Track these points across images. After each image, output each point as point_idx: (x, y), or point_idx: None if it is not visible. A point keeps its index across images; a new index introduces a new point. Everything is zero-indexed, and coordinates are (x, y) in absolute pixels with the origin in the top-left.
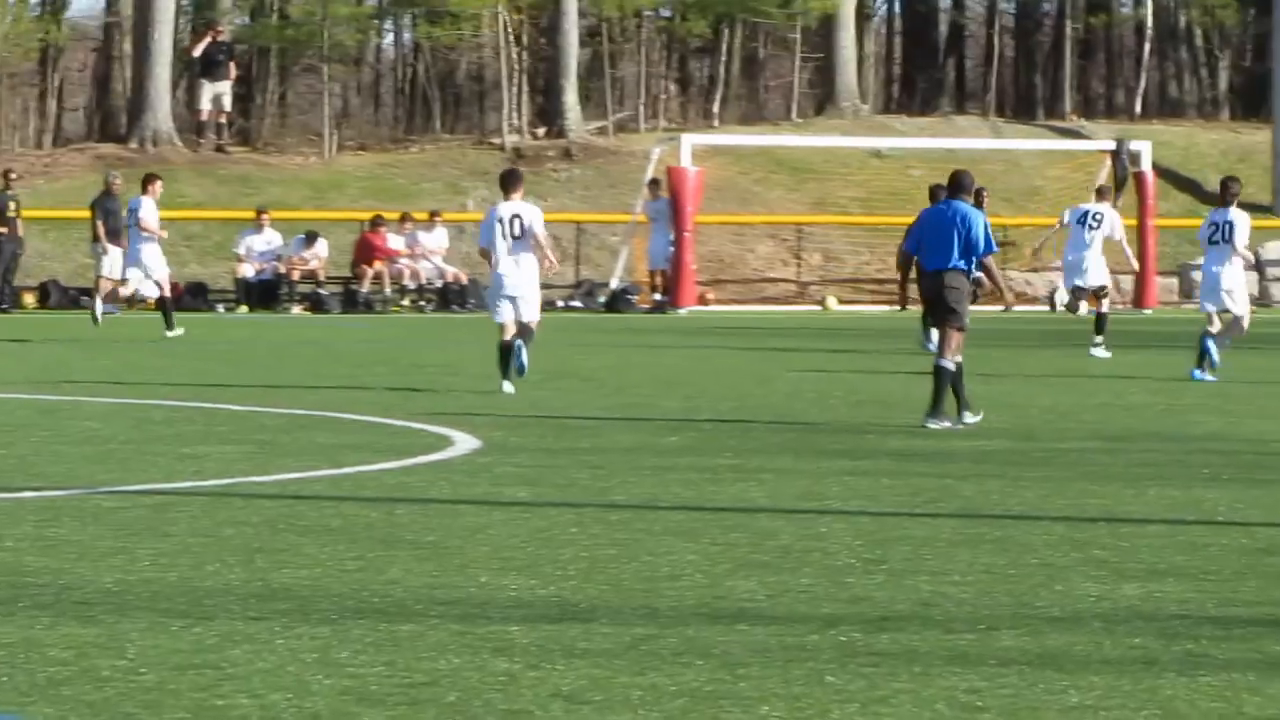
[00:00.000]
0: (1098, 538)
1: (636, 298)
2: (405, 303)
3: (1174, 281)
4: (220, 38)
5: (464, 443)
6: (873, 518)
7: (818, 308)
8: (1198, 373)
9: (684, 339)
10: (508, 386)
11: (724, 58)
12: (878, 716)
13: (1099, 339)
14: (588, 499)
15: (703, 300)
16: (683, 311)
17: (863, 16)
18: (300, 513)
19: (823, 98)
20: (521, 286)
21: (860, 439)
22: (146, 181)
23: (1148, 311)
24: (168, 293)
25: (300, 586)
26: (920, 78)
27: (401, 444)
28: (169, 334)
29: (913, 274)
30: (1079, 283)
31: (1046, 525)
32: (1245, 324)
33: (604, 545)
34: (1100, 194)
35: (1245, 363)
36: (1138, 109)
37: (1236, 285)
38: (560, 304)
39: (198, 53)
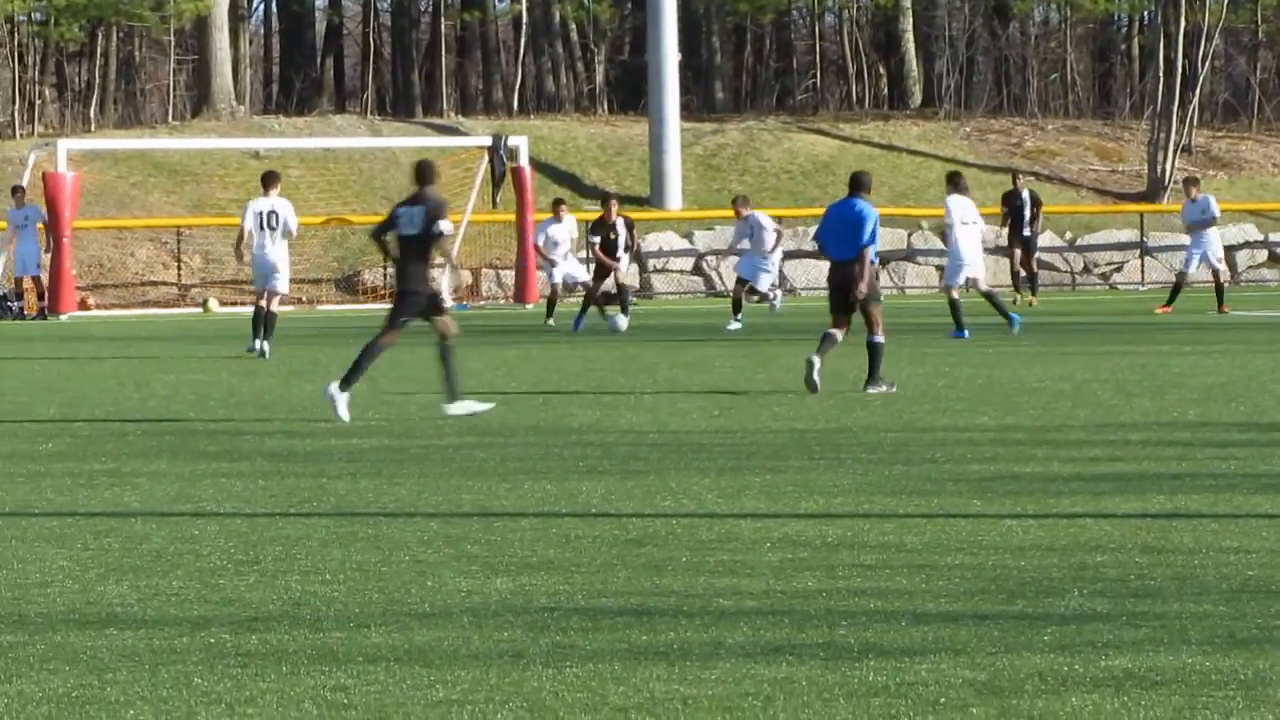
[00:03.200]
0: (470, 533)
1: (21, 304)
2: None
3: None
4: None
5: None
6: (246, 519)
7: (199, 310)
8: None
9: (64, 345)
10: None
11: (100, 61)
12: (245, 717)
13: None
14: None
15: (84, 305)
16: (64, 317)
17: (237, 17)
18: None
19: (199, 100)
20: (278, 265)
21: (237, 440)
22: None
23: (529, 306)
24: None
25: None
26: (298, 78)
27: None
28: None
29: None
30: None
31: (420, 522)
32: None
33: None
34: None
35: (625, 354)
36: (515, 105)
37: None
38: None
39: None
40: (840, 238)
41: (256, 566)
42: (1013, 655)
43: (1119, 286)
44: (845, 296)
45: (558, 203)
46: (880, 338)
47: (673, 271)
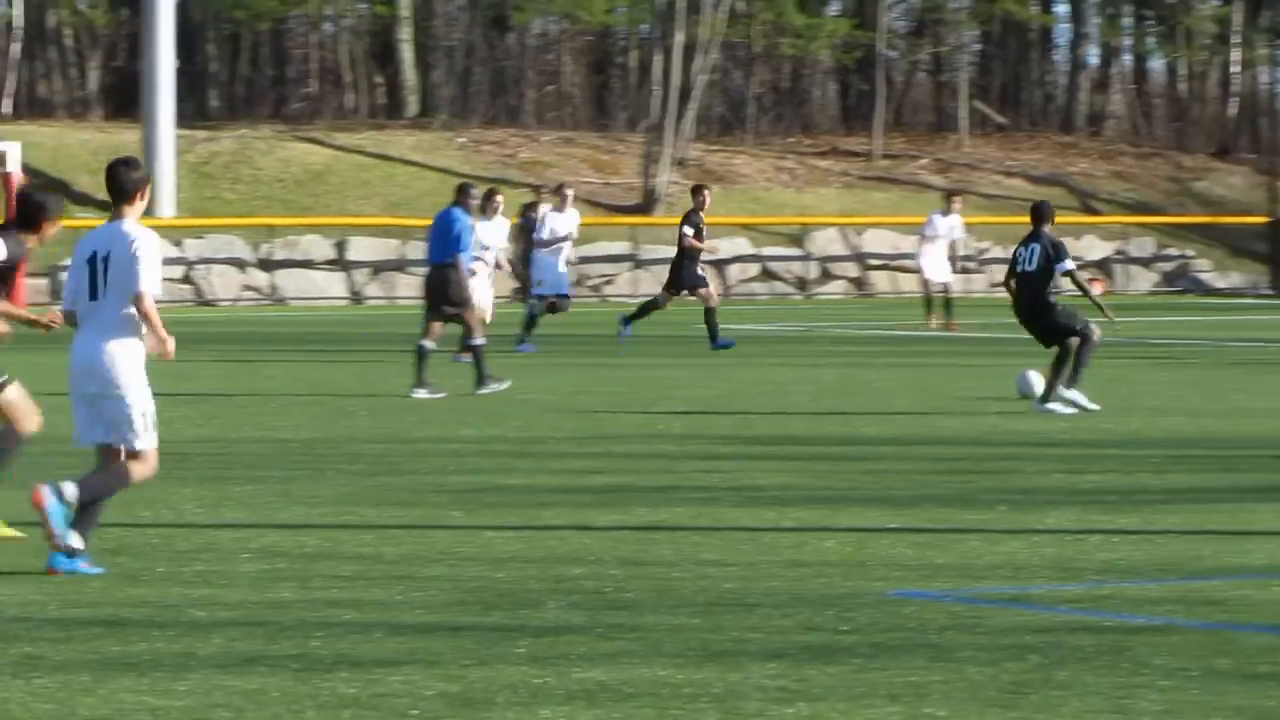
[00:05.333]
0: None
1: None
2: None
3: (44, 283)
4: None
5: None
6: None
7: None
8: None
9: None
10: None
11: None
12: None
13: None
14: None
15: None
16: None
17: None
18: None
19: None
20: None
21: None
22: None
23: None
24: None
25: None
26: None
27: None
28: None
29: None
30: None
31: None
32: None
33: None
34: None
35: None
36: (8, 109)
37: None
38: None
39: None
40: (436, 244)
41: None
42: (486, 667)
43: (610, 299)
44: (439, 300)
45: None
46: (480, 340)
47: (163, 280)
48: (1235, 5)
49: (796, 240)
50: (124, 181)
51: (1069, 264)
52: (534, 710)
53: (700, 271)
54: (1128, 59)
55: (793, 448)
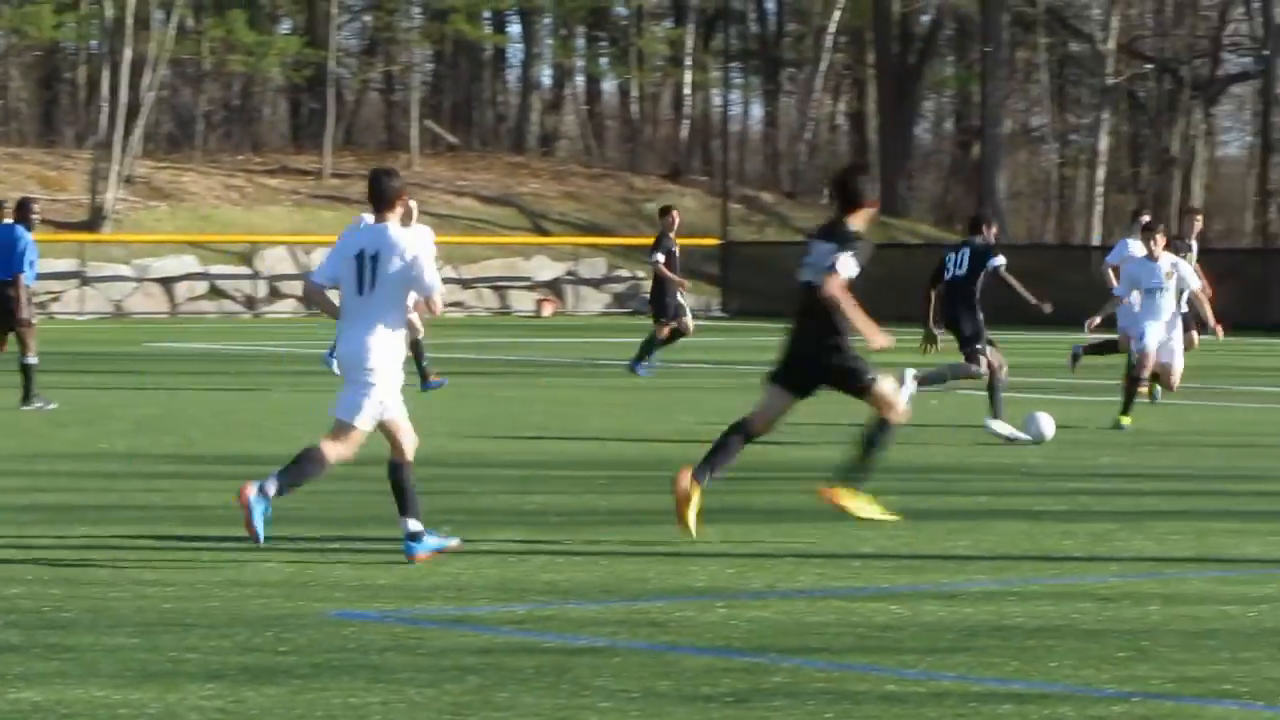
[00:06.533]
0: None
1: None
2: None
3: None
4: None
5: None
6: None
7: None
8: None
9: None
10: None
11: None
12: None
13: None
14: None
15: None
16: None
17: None
18: None
19: None
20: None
21: None
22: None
23: None
24: None
25: None
26: None
27: None
28: None
29: None
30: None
31: None
32: None
33: None
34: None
35: None
36: None
37: None
38: None
39: None
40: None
41: None
42: None
43: (57, 316)
44: (3, 315)
45: None
46: (34, 359)
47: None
48: (687, 28)
49: (245, 259)
50: (385, 190)
51: (997, 260)
52: None
53: (680, 300)
54: (580, 80)
55: (235, 467)
